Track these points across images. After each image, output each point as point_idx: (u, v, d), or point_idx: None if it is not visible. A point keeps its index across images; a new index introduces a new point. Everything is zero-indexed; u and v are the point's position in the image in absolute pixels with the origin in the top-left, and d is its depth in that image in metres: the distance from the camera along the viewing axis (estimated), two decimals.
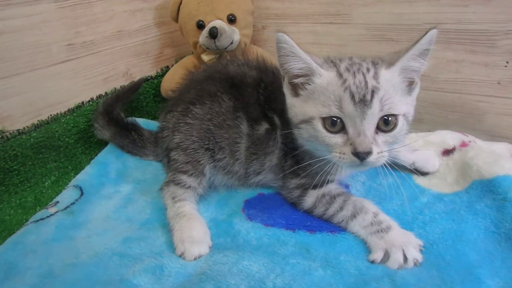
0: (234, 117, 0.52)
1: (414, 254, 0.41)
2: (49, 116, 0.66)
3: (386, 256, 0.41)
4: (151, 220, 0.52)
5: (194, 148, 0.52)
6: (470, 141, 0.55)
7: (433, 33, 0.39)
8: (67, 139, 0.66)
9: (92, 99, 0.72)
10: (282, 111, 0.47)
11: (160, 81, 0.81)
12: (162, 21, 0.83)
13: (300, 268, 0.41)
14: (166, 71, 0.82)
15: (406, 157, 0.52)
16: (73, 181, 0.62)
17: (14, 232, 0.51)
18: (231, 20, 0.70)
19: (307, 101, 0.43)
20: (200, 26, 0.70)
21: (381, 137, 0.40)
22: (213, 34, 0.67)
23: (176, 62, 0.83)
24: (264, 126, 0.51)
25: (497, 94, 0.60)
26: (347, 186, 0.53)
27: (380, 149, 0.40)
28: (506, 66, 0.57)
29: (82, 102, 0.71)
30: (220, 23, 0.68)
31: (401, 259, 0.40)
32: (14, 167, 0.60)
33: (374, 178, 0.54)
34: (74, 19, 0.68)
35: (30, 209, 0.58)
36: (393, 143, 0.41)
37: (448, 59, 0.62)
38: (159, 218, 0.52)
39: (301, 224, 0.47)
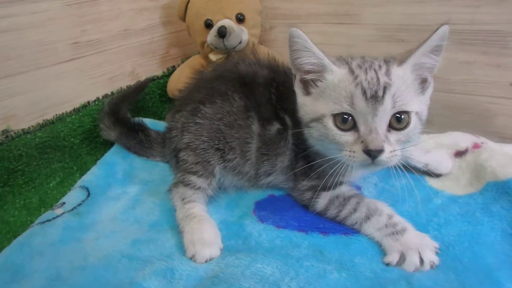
0: (245, 116, 0.51)
1: (431, 257, 0.40)
2: (54, 116, 0.66)
3: (402, 258, 0.40)
4: (160, 221, 0.51)
5: (203, 148, 0.52)
6: (482, 143, 0.54)
7: (444, 28, 0.39)
8: (72, 139, 0.66)
9: (98, 98, 0.71)
10: (293, 111, 0.47)
11: (167, 81, 0.80)
12: (169, 20, 0.82)
13: (314, 271, 0.40)
14: (173, 71, 0.82)
15: (419, 158, 0.52)
16: (80, 182, 0.61)
17: (18, 234, 0.50)
18: (240, 19, 0.70)
19: (318, 98, 0.42)
20: (208, 25, 0.70)
21: (394, 135, 0.40)
22: (222, 33, 0.66)
23: (183, 62, 0.82)
24: (276, 126, 0.51)
25: (509, 96, 0.60)
26: (359, 188, 0.53)
27: (393, 148, 0.39)
28: None
29: (88, 102, 0.70)
30: (229, 22, 0.68)
31: (417, 262, 0.40)
32: (19, 167, 0.59)
33: (387, 179, 0.53)
34: (80, 17, 0.67)
35: (34, 210, 0.57)
36: (406, 142, 0.41)
37: (460, 60, 0.62)
38: (168, 220, 0.51)
39: (314, 226, 0.47)
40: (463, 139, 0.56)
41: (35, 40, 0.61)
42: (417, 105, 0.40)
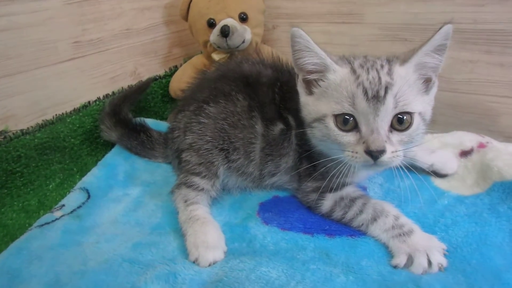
0: (249, 116, 0.51)
1: (439, 259, 0.40)
2: (54, 116, 0.64)
3: (410, 260, 0.40)
4: (162, 224, 0.50)
5: (207, 148, 0.51)
6: (487, 142, 0.54)
7: (448, 28, 0.39)
8: (72, 139, 0.64)
9: (98, 98, 0.70)
10: (297, 110, 0.46)
11: (169, 81, 0.80)
12: (171, 19, 0.82)
13: (321, 274, 0.39)
14: (175, 70, 0.81)
15: (424, 158, 0.51)
16: (80, 184, 0.60)
17: (16, 237, 0.49)
18: (243, 18, 0.69)
19: (320, 98, 0.42)
20: (211, 24, 0.69)
21: (396, 136, 0.39)
22: (225, 32, 0.66)
23: (185, 61, 0.82)
24: (279, 126, 0.50)
25: None
26: (364, 189, 0.52)
27: (395, 148, 0.39)
28: None
29: (89, 102, 0.69)
30: (232, 22, 0.68)
31: (425, 264, 0.39)
32: (17, 168, 0.58)
33: (392, 180, 0.53)
34: (81, 16, 0.66)
35: (33, 213, 0.56)
36: (409, 143, 0.40)
37: (463, 60, 0.62)
38: (170, 222, 0.50)
39: (320, 228, 0.46)
40: (468, 139, 0.56)
41: (35, 39, 0.61)
42: (420, 105, 0.40)
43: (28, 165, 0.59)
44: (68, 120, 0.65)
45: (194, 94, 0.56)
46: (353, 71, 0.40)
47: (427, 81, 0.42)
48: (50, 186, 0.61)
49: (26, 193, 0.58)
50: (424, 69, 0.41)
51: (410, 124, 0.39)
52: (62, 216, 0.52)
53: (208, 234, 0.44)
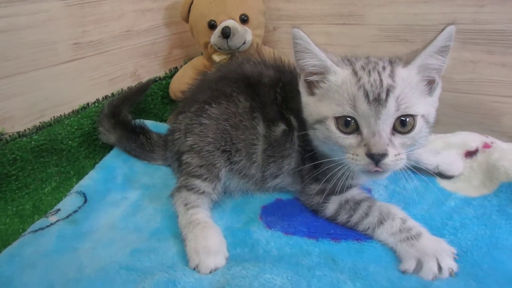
0: (251, 117, 0.50)
1: (449, 263, 0.38)
2: (52, 118, 0.63)
3: (419, 265, 0.38)
4: (162, 229, 0.49)
5: (209, 150, 0.50)
6: (492, 142, 0.53)
7: (450, 29, 0.38)
8: (70, 142, 0.63)
9: (98, 100, 0.69)
10: (299, 111, 0.46)
11: (169, 82, 0.79)
12: (172, 21, 0.82)
13: (327, 281, 0.38)
14: (175, 72, 0.81)
15: (429, 160, 0.50)
16: (76, 187, 0.58)
17: (9, 243, 0.47)
18: (244, 20, 0.70)
19: (322, 100, 0.42)
20: (212, 26, 0.69)
21: (398, 139, 0.39)
22: (226, 33, 0.66)
23: (185, 63, 0.82)
24: (281, 127, 0.49)
25: None
26: (369, 191, 0.51)
27: (397, 151, 0.38)
28: None
29: (87, 103, 0.68)
30: (233, 23, 0.68)
31: (435, 269, 0.38)
32: (12, 172, 0.56)
33: (397, 181, 0.52)
34: (82, 18, 0.66)
35: (28, 218, 0.54)
36: (412, 146, 0.40)
37: (465, 60, 0.62)
38: (170, 227, 0.48)
39: (324, 232, 0.45)
40: (472, 139, 0.55)
41: (34, 40, 0.60)
42: (423, 107, 0.39)
43: (23, 168, 0.57)
44: (66, 122, 0.63)
45: (195, 95, 0.56)
46: (355, 73, 0.40)
47: (431, 83, 0.41)
48: (46, 189, 0.59)
49: (20, 197, 0.57)
50: (427, 71, 0.40)
51: (413, 127, 0.39)
52: (57, 221, 0.51)
53: (209, 239, 0.43)
